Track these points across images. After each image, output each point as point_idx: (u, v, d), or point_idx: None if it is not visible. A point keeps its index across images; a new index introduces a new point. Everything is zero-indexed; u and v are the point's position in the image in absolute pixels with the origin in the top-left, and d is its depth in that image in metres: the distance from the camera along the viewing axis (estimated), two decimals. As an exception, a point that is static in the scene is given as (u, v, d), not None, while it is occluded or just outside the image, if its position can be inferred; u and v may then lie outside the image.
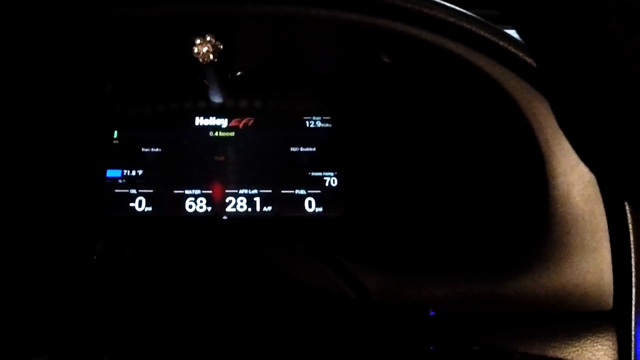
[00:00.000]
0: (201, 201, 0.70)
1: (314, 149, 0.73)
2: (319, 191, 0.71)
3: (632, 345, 0.52)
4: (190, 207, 0.69)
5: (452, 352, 0.42)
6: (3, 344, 0.45)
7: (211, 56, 0.60)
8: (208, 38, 0.60)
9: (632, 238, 0.52)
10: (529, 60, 0.54)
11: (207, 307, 0.49)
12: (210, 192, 0.70)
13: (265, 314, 0.49)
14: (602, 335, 0.52)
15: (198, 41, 0.60)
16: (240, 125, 0.74)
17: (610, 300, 0.53)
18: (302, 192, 0.71)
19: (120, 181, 0.70)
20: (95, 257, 0.54)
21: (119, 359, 0.44)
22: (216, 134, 0.73)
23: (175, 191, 0.70)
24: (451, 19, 0.55)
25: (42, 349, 0.43)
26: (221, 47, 0.60)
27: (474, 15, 0.56)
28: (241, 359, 0.46)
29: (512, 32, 0.56)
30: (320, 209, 0.70)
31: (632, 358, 0.51)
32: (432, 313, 0.46)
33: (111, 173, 0.71)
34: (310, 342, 0.46)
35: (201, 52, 0.60)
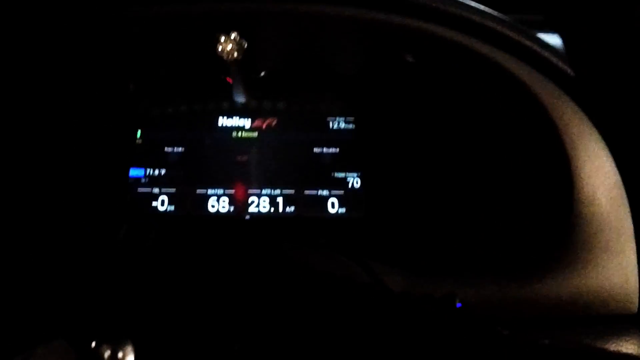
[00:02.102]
0: (224, 201, 0.70)
1: (337, 150, 0.73)
2: (342, 192, 0.71)
3: (658, 349, 0.51)
4: (213, 206, 0.70)
5: (481, 336, 0.41)
6: (20, 328, 0.45)
7: (235, 54, 0.61)
8: (233, 36, 0.60)
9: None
10: (555, 61, 0.54)
11: (227, 298, 0.49)
12: (232, 192, 0.70)
13: (288, 311, 0.49)
14: (627, 339, 0.52)
15: (223, 39, 0.60)
16: (264, 126, 0.74)
17: (635, 304, 0.53)
18: (325, 192, 0.71)
19: (142, 180, 0.71)
20: (119, 241, 0.54)
21: (140, 342, 0.44)
22: (239, 134, 0.73)
23: (198, 191, 0.70)
24: (477, 19, 0.55)
25: (58, 332, 0.43)
26: (245, 45, 0.61)
27: (499, 15, 0.56)
28: (262, 352, 0.46)
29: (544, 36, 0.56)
30: (343, 210, 0.70)
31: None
32: (458, 305, 0.46)
33: (134, 172, 0.71)
34: (334, 336, 0.46)
35: (225, 50, 0.61)
